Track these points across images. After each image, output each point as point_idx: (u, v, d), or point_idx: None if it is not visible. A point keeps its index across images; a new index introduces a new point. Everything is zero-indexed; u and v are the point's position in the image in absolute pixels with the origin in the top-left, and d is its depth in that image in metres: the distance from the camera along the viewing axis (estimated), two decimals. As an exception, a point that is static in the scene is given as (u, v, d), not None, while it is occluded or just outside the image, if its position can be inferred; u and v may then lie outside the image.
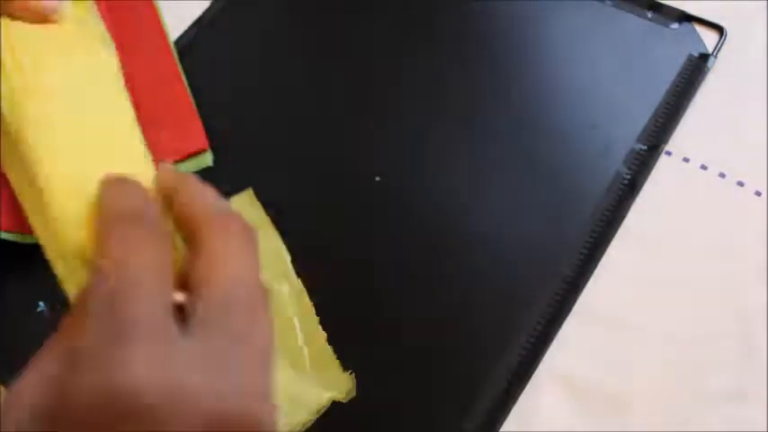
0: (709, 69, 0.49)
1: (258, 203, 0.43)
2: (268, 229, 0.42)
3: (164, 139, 0.50)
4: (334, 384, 0.35)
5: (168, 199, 0.25)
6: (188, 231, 0.24)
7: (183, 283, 0.23)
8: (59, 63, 0.28)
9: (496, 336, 0.41)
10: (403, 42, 0.53)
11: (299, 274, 0.42)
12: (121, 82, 0.30)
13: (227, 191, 0.50)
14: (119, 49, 0.55)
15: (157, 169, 0.27)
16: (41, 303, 0.44)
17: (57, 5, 0.28)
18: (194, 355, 0.22)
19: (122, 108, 0.29)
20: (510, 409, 0.39)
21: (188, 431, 0.21)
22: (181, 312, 0.23)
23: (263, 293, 0.24)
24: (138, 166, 0.27)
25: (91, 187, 0.25)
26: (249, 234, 0.24)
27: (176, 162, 0.49)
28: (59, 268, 0.26)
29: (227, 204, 0.26)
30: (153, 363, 0.21)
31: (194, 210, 0.25)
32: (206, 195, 0.25)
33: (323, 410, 0.35)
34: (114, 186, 0.24)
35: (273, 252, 0.40)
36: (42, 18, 0.28)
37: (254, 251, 0.24)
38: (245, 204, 0.42)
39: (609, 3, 0.52)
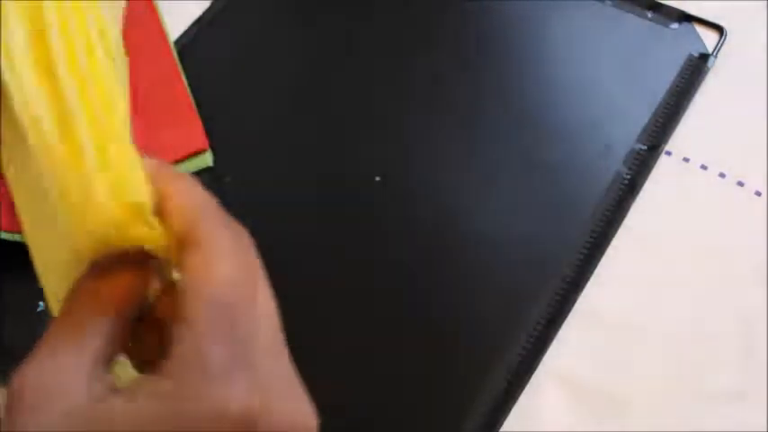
0: (709, 69, 0.49)
1: None
2: None
3: (164, 139, 0.50)
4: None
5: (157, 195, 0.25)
6: (180, 230, 0.24)
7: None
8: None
9: (496, 336, 0.41)
10: (403, 42, 0.53)
11: (299, 274, 0.42)
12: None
13: (228, 191, 0.50)
14: (119, 49, 0.55)
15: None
16: (41, 303, 0.44)
17: None
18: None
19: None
20: (510, 409, 0.39)
21: None
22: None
23: (263, 286, 0.24)
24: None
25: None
26: (241, 230, 0.25)
27: (176, 162, 0.50)
28: (48, 280, 0.26)
29: (209, 195, 0.25)
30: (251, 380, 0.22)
31: (187, 209, 0.24)
32: (197, 191, 0.25)
33: None
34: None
35: None
36: None
37: (250, 247, 0.24)
38: None
39: (609, 3, 0.52)
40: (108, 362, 0.23)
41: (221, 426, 0.21)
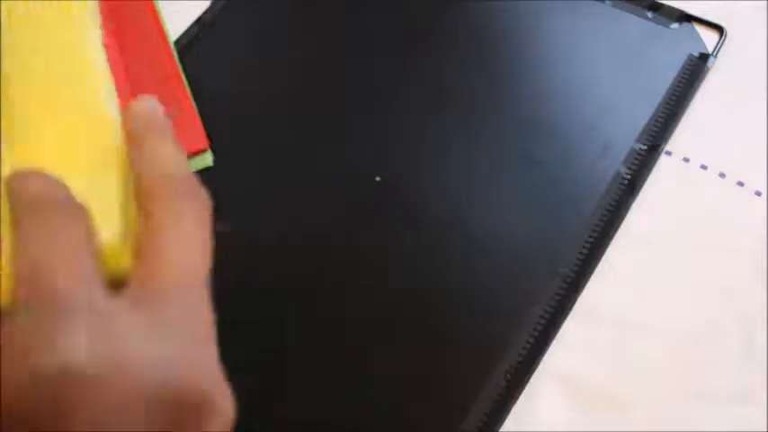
0: (709, 69, 0.49)
1: None
2: None
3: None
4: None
5: (133, 142, 0.24)
6: (139, 193, 0.24)
7: (137, 250, 0.23)
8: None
9: (496, 336, 0.41)
10: (403, 42, 0.53)
11: (298, 274, 0.42)
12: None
13: (228, 191, 0.50)
14: (119, 50, 0.55)
15: (131, 106, 0.26)
16: None
17: None
18: (136, 326, 0.21)
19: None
20: (509, 410, 0.39)
21: (133, 402, 0.20)
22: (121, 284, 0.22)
23: (204, 271, 0.23)
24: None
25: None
26: (203, 202, 0.24)
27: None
28: None
29: (181, 164, 0.25)
30: (85, 334, 0.20)
31: (145, 170, 0.24)
32: (161, 152, 0.25)
33: None
34: (16, 180, 0.23)
35: None
36: None
37: (204, 223, 0.24)
38: None
39: (609, 3, 0.52)
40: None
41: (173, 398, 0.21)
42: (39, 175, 0.23)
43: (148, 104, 0.26)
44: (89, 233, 0.22)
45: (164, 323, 0.22)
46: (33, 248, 0.21)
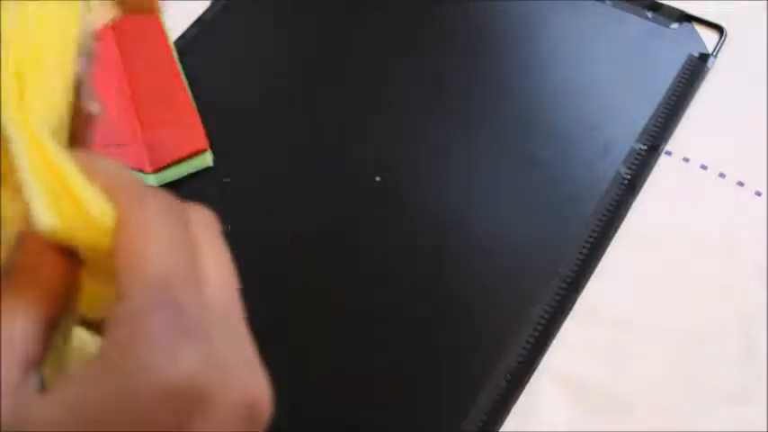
0: (709, 69, 0.49)
1: None
2: None
3: (164, 139, 0.50)
4: None
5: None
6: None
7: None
8: None
9: (496, 336, 0.41)
10: (403, 42, 0.53)
11: (298, 274, 0.42)
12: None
13: (228, 191, 0.50)
14: (119, 50, 0.56)
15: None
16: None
17: None
18: (225, 343, 0.22)
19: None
20: (510, 409, 0.39)
21: (226, 416, 0.21)
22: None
23: (210, 255, 0.23)
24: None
25: None
26: (169, 202, 0.23)
27: (176, 162, 0.50)
28: None
29: (134, 177, 0.23)
30: (202, 352, 0.20)
31: (113, 188, 0.22)
32: (115, 172, 0.23)
33: None
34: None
35: None
36: None
37: (180, 221, 0.23)
38: None
39: (609, 3, 0.52)
40: (37, 363, 0.21)
41: (168, 401, 0.19)
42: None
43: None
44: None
45: (225, 337, 0.22)
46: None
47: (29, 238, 0.22)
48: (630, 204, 0.45)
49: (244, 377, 0.22)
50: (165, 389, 0.19)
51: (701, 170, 0.46)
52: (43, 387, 0.21)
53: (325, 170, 0.48)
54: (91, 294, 0.23)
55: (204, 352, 0.20)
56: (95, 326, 0.24)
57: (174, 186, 0.49)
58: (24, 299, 0.21)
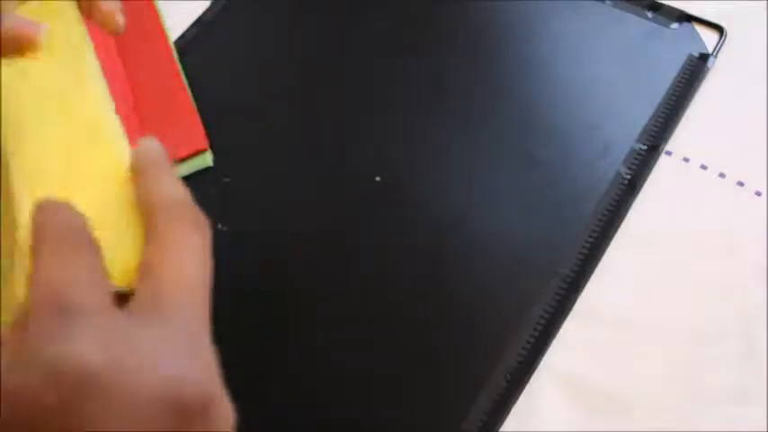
0: (709, 69, 0.49)
1: None
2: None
3: (164, 139, 0.50)
4: None
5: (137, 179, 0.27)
6: (146, 217, 0.26)
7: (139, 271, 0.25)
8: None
9: (496, 336, 0.41)
10: (403, 42, 0.53)
11: (298, 274, 0.42)
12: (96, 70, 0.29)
13: (228, 191, 0.50)
14: (119, 50, 0.56)
15: (136, 146, 0.28)
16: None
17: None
18: (144, 332, 0.23)
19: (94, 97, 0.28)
20: (510, 409, 0.39)
21: (140, 402, 0.21)
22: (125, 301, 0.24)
23: (206, 285, 0.25)
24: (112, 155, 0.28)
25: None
26: (202, 224, 0.26)
27: (176, 162, 0.50)
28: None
29: (183, 193, 0.27)
30: (98, 336, 0.22)
31: (152, 197, 0.26)
32: (166, 182, 0.27)
33: None
34: (42, 210, 0.25)
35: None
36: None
37: (205, 243, 0.26)
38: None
39: (609, 3, 0.52)
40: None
41: (52, 379, 0.21)
42: (58, 207, 0.25)
43: (150, 143, 0.29)
44: (99, 258, 0.24)
45: (168, 329, 0.23)
46: (51, 269, 0.23)
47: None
48: (630, 204, 0.45)
49: (175, 373, 0.22)
50: (51, 367, 0.21)
51: (701, 170, 0.46)
52: None
53: (326, 170, 0.48)
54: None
55: (101, 337, 0.21)
56: None
57: (174, 186, 0.49)
58: None
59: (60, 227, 0.24)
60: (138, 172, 0.28)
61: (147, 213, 0.26)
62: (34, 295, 0.23)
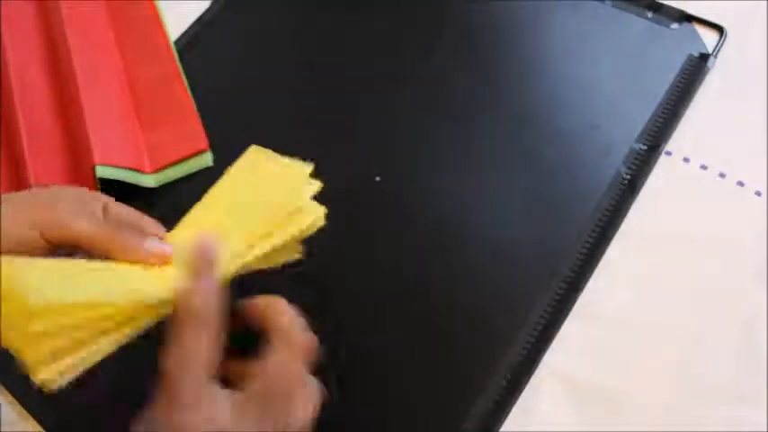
0: (709, 69, 0.49)
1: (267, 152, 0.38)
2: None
3: (164, 140, 0.50)
4: None
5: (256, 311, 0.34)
6: (268, 330, 0.33)
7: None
8: None
9: (496, 336, 0.41)
10: (403, 42, 0.53)
11: (298, 274, 0.42)
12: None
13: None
14: (119, 49, 0.56)
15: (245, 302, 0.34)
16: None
17: (163, 251, 0.33)
18: (241, 412, 0.30)
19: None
20: (510, 409, 0.39)
21: None
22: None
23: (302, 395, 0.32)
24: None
25: None
26: (305, 349, 0.33)
27: (176, 162, 0.50)
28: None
29: (296, 319, 0.34)
30: (203, 419, 0.29)
31: (273, 322, 0.33)
32: (285, 311, 0.34)
33: None
34: (190, 287, 0.31)
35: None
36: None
37: (303, 362, 0.33)
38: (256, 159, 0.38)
39: (609, 3, 0.53)
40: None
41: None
42: (205, 290, 0.31)
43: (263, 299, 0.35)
44: (215, 345, 0.31)
45: (263, 416, 0.31)
46: (175, 355, 0.30)
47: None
48: (630, 204, 0.45)
49: None
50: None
51: (701, 170, 0.46)
52: None
53: (325, 170, 0.48)
54: None
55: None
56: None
57: (174, 186, 0.49)
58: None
59: (196, 311, 0.31)
60: (263, 308, 0.34)
61: (269, 329, 0.33)
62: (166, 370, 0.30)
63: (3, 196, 0.33)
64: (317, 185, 0.36)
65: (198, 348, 0.30)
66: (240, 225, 0.33)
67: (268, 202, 0.34)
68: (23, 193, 0.35)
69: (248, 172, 0.35)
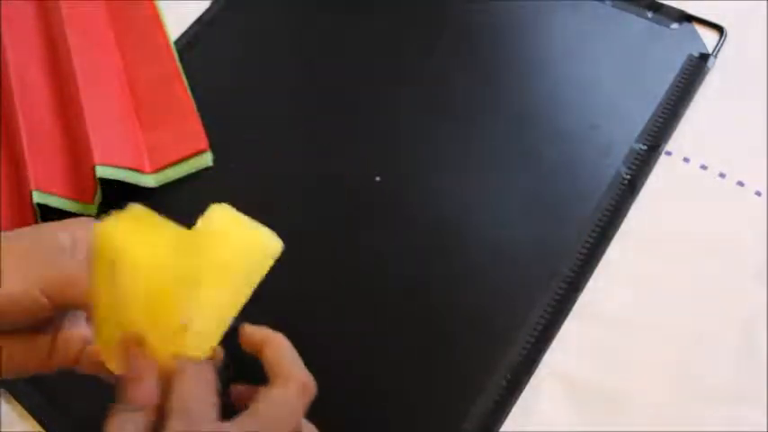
0: (709, 69, 0.49)
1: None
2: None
3: (164, 139, 0.50)
4: None
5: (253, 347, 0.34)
6: (267, 368, 0.33)
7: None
8: None
9: (496, 336, 0.41)
10: (403, 43, 0.53)
11: (299, 275, 0.42)
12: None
13: (228, 191, 0.50)
14: (119, 49, 0.56)
15: (245, 329, 0.34)
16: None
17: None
18: None
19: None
20: (510, 409, 0.39)
21: None
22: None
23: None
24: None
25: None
26: (305, 388, 0.33)
27: (176, 162, 0.50)
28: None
29: (296, 358, 0.34)
30: None
31: (274, 360, 0.33)
32: (286, 349, 0.34)
33: None
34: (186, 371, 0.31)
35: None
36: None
37: (301, 402, 0.33)
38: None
39: (609, 3, 0.53)
40: None
41: None
42: (198, 371, 0.31)
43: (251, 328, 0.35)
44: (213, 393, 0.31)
45: None
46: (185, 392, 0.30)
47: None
48: (630, 204, 0.45)
49: None
50: None
51: (701, 170, 0.46)
52: None
53: (326, 170, 0.48)
54: None
55: None
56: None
57: (174, 186, 0.49)
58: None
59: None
60: (257, 344, 0.34)
61: (266, 366, 0.33)
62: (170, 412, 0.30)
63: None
64: (278, 250, 0.35)
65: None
66: (207, 307, 0.32)
67: (233, 276, 0.34)
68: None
69: (216, 238, 0.34)
